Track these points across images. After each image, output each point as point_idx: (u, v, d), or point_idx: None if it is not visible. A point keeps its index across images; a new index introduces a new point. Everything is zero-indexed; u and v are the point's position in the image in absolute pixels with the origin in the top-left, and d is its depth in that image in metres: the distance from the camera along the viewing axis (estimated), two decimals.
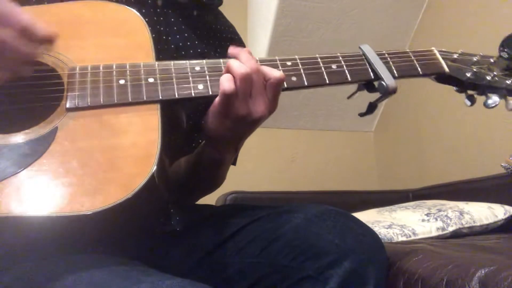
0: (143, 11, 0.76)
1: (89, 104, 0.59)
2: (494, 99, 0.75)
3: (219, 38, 0.88)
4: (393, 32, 2.32)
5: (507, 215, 1.40)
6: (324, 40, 2.27)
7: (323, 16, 2.20)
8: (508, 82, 0.75)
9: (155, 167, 0.54)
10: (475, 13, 1.94)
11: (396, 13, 2.27)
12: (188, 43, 0.81)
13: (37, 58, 0.56)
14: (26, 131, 0.56)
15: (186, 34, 0.81)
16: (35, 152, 0.53)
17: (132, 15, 0.69)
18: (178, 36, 0.80)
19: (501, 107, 0.76)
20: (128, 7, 0.69)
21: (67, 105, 0.58)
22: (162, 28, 0.78)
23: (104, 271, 0.50)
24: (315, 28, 2.23)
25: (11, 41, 0.51)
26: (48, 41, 0.54)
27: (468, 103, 0.78)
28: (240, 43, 0.92)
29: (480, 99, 0.78)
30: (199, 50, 0.82)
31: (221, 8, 0.94)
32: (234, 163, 0.90)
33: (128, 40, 0.67)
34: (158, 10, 0.79)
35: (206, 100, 0.66)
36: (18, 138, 0.55)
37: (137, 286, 0.45)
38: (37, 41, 0.53)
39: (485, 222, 1.37)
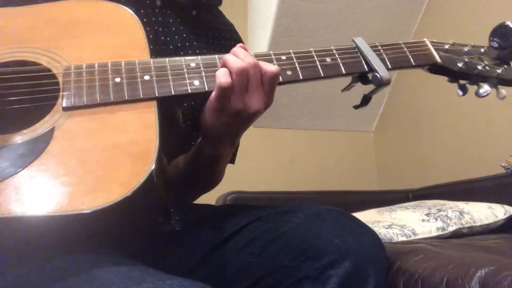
0: (142, 11, 0.75)
1: (85, 102, 0.58)
2: (485, 88, 0.76)
3: (218, 37, 0.88)
4: (393, 32, 2.32)
5: (507, 215, 1.39)
6: (324, 40, 2.26)
7: (323, 16, 2.20)
8: (498, 71, 0.75)
9: (153, 165, 0.54)
10: (475, 13, 1.94)
11: (396, 13, 2.27)
12: (187, 43, 0.81)
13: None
14: (23, 131, 0.55)
15: (184, 34, 0.81)
16: (33, 152, 0.53)
17: (126, 13, 0.69)
18: (176, 37, 0.80)
19: (500, 107, 0.76)
20: (122, 6, 0.69)
21: (64, 104, 0.58)
22: (160, 29, 0.78)
23: (105, 271, 0.50)
24: (315, 28, 2.23)
25: None
26: None
27: (460, 93, 0.78)
28: (240, 42, 0.92)
29: (472, 89, 0.78)
30: (198, 51, 0.82)
31: (221, 8, 0.93)
32: (232, 162, 0.90)
33: (122, 38, 0.67)
34: (157, 10, 0.79)
35: (203, 99, 0.66)
36: (15, 138, 0.55)
37: (138, 286, 0.45)
38: None
39: (485, 222, 1.37)
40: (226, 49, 0.88)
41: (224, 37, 0.89)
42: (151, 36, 0.74)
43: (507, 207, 1.42)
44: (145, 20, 0.70)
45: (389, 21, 2.29)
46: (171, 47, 0.79)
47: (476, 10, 1.93)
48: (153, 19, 0.77)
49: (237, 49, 0.65)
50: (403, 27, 2.32)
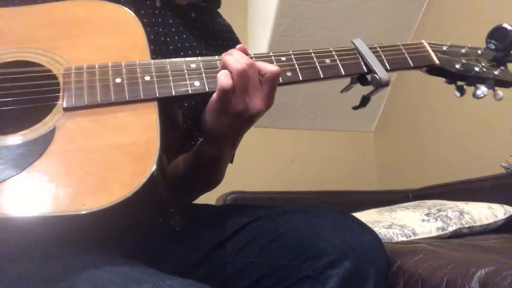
0: (142, 12, 0.76)
1: (86, 103, 0.58)
2: (482, 89, 0.77)
3: (216, 38, 0.88)
4: (393, 32, 2.32)
5: (507, 215, 1.39)
6: (324, 40, 2.26)
7: (323, 16, 2.20)
8: (495, 72, 0.77)
9: (155, 166, 0.54)
10: (475, 13, 1.94)
11: (396, 13, 2.27)
12: (187, 44, 0.81)
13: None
14: (24, 131, 0.55)
15: (184, 35, 0.81)
16: (34, 152, 0.53)
17: (127, 14, 0.69)
18: (176, 37, 0.80)
19: (500, 107, 0.77)
20: (122, 7, 0.69)
21: (64, 105, 0.58)
22: (160, 30, 0.78)
23: (105, 271, 0.50)
24: (315, 28, 2.23)
25: None
26: None
27: (458, 94, 0.79)
28: (237, 43, 0.92)
29: (469, 90, 0.79)
30: (197, 51, 0.82)
31: (221, 8, 0.94)
32: (231, 161, 0.90)
33: (123, 39, 0.67)
34: (157, 11, 0.79)
35: (204, 99, 0.66)
36: (16, 139, 0.55)
37: (138, 286, 0.45)
38: None
39: (485, 222, 1.37)
40: (224, 50, 0.88)
41: (222, 38, 0.90)
42: (152, 37, 0.75)
43: (507, 207, 1.42)
44: (145, 20, 0.70)
45: (389, 21, 2.29)
46: (171, 47, 0.79)
47: (476, 10, 1.93)
48: (153, 19, 0.78)
49: (234, 50, 0.65)
50: (403, 27, 2.32)
